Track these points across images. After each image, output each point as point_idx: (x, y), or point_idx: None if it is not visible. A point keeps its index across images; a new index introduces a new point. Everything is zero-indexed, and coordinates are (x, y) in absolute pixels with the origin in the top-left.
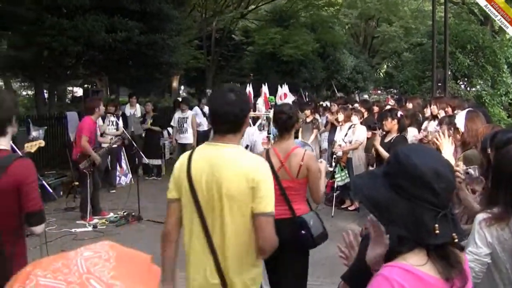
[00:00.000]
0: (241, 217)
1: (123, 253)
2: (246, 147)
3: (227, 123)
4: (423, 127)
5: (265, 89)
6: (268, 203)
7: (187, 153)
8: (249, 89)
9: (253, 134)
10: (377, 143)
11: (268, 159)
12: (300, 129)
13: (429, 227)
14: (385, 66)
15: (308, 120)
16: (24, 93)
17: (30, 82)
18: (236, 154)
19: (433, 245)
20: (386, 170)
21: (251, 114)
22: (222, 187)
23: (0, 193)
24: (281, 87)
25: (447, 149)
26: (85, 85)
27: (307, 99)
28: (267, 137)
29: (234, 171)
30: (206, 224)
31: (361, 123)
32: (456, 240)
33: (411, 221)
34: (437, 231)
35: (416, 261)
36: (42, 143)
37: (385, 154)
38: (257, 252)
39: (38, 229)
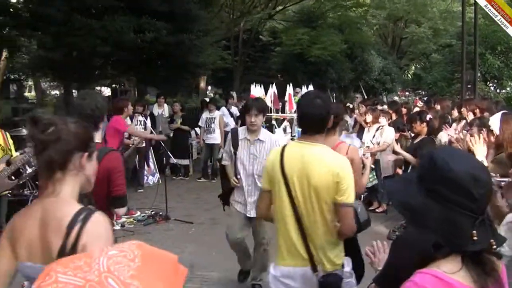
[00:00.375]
0: (325, 205)
1: (150, 252)
2: None
3: (314, 125)
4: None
5: (290, 89)
6: (349, 195)
7: (277, 150)
8: (274, 90)
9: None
10: (397, 147)
11: None
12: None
13: (466, 233)
14: (413, 67)
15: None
16: (53, 92)
17: (59, 82)
18: (323, 152)
19: (469, 252)
20: (420, 175)
21: (276, 115)
22: (311, 180)
23: (98, 179)
24: (307, 87)
25: (481, 152)
26: (113, 85)
27: (334, 100)
28: (291, 139)
29: (322, 167)
30: (297, 211)
31: (389, 124)
32: (494, 247)
33: (447, 227)
34: (475, 238)
35: (449, 268)
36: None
37: (408, 157)
38: (337, 235)
39: (121, 210)
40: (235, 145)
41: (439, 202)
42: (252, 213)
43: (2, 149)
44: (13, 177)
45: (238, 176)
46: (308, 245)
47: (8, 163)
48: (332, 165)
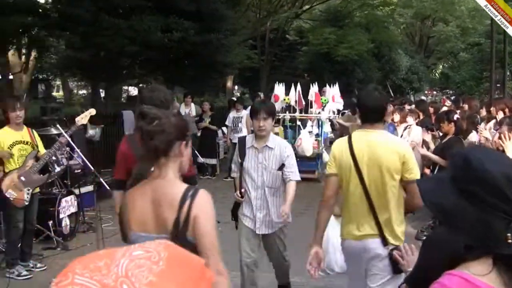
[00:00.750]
0: (393, 184)
1: (176, 255)
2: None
3: (375, 114)
4: (480, 128)
5: (315, 89)
6: (416, 172)
7: (344, 139)
8: (298, 89)
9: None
10: (423, 150)
11: None
12: (356, 129)
13: (500, 236)
14: (441, 66)
15: (358, 121)
16: (80, 92)
17: (86, 82)
18: (385, 137)
19: (502, 254)
20: (454, 175)
21: (300, 116)
22: (380, 163)
23: None
24: (331, 86)
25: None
26: (140, 85)
27: None
28: (316, 140)
29: (388, 150)
30: (367, 190)
31: (417, 123)
32: None
33: (480, 229)
34: (510, 240)
35: (479, 270)
36: (92, 111)
37: (435, 158)
38: (405, 210)
39: None
40: (242, 155)
41: (473, 203)
42: (261, 230)
43: (31, 146)
44: (41, 174)
45: (243, 190)
46: (378, 221)
47: (37, 159)
48: (398, 148)
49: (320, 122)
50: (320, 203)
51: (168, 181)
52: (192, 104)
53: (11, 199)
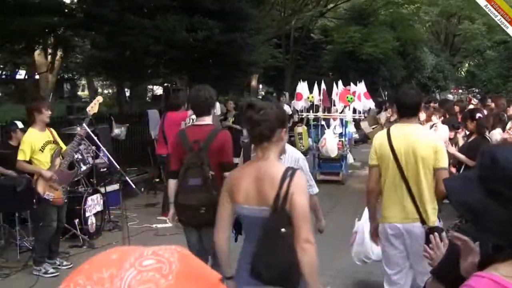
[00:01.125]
0: (429, 172)
1: (189, 269)
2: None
3: (411, 110)
4: (508, 127)
5: (340, 87)
6: (445, 161)
7: (383, 132)
8: (323, 87)
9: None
10: (451, 148)
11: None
12: (384, 127)
13: None
14: (467, 64)
15: (392, 119)
16: (105, 91)
17: (111, 81)
18: (420, 130)
19: None
20: (481, 174)
21: (324, 115)
22: (417, 153)
23: (213, 151)
24: (355, 84)
25: None
26: (165, 84)
27: (386, 98)
28: (340, 141)
29: (423, 142)
30: (406, 178)
31: (442, 122)
32: None
33: (508, 229)
34: None
35: (509, 272)
36: (99, 99)
37: (461, 157)
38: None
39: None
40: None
41: (500, 203)
42: None
43: (55, 144)
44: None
45: None
46: (417, 204)
47: (62, 156)
48: (431, 140)
49: (344, 122)
50: (366, 194)
51: (270, 162)
52: (217, 103)
53: (50, 200)
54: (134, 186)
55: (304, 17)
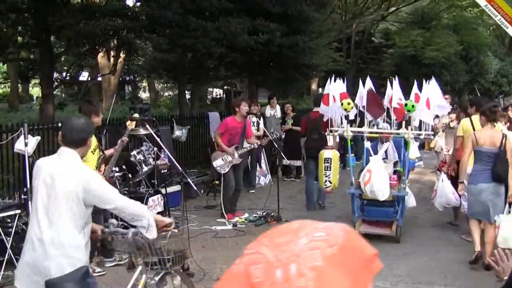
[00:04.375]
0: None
1: (352, 243)
2: None
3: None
4: None
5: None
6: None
7: (467, 119)
8: (369, 85)
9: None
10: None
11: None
12: (444, 134)
13: None
14: None
15: (452, 124)
16: (166, 93)
17: (173, 83)
18: (501, 131)
19: None
20: None
21: (370, 132)
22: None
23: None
24: (419, 88)
25: None
26: (225, 87)
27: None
28: (395, 173)
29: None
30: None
31: (508, 128)
32: None
33: None
34: None
35: None
36: (136, 117)
37: None
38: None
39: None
40: None
41: None
42: None
43: (100, 150)
44: (129, 175)
45: None
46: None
47: (106, 162)
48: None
49: (402, 143)
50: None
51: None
52: (277, 106)
53: None
54: (195, 188)
55: (365, 20)
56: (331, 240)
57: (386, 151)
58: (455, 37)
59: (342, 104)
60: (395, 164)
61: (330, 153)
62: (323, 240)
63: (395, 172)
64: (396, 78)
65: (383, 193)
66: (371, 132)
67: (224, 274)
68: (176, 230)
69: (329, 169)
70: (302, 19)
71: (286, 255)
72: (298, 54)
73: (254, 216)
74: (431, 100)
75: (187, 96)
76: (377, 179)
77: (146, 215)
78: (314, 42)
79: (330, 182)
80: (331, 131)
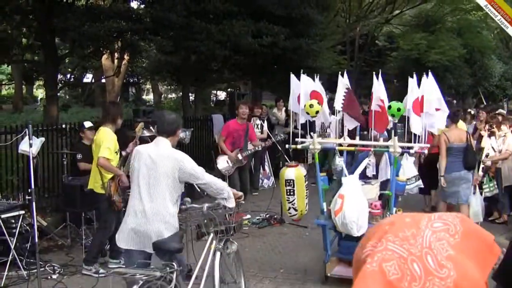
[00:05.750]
0: None
1: (471, 229)
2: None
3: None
4: None
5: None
6: None
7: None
8: (345, 82)
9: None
10: None
11: None
12: None
13: None
14: None
15: None
16: (170, 96)
17: (176, 86)
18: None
19: None
20: None
21: (346, 145)
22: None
23: None
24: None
25: None
26: (229, 89)
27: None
28: (379, 197)
29: None
30: None
31: None
32: None
33: None
34: None
35: None
36: (142, 124)
37: None
38: None
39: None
40: None
41: None
42: None
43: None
44: None
45: None
46: None
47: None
48: None
49: (390, 158)
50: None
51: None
52: (283, 109)
53: (116, 203)
54: (199, 189)
55: (369, 23)
56: (451, 229)
57: (377, 167)
58: (459, 40)
59: (304, 106)
60: (385, 185)
61: (292, 173)
62: (444, 230)
63: (381, 196)
64: (380, 72)
65: (359, 226)
66: (351, 145)
67: (359, 274)
68: (243, 202)
69: (292, 193)
70: (306, 22)
71: (418, 248)
72: (302, 57)
73: (257, 219)
74: (425, 103)
75: (191, 98)
76: (351, 208)
77: (227, 189)
78: (317, 45)
79: (296, 210)
80: (295, 143)
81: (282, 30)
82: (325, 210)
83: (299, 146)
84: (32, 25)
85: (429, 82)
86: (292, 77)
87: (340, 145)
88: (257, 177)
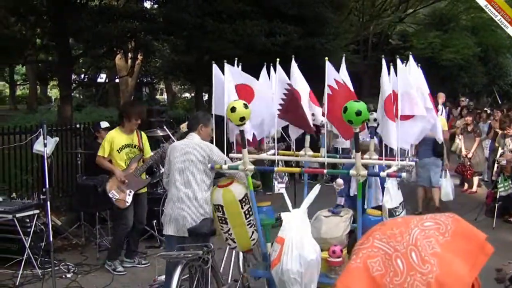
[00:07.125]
0: None
1: (462, 229)
2: None
3: None
4: None
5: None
6: None
7: None
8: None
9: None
10: None
11: None
12: (462, 137)
13: None
14: None
15: (469, 128)
16: (183, 95)
17: (190, 85)
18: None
19: None
20: None
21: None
22: None
23: None
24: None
25: None
26: None
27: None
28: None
29: None
30: None
31: None
32: None
33: None
34: None
35: None
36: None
37: None
38: None
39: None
40: None
41: None
42: None
43: (138, 149)
44: (147, 176)
45: None
46: None
47: (142, 161)
48: None
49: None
50: None
51: None
52: None
53: (114, 199)
54: None
55: (382, 22)
56: (442, 228)
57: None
58: (473, 38)
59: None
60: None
61: (219, 196)
62: (434, 229)
63: (351, 232)
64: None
65: (303, 285)
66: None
67: (344, 270)
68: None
69: (224, 221)
70: (319, 21)
71: (404, 245)
72: (315, 56)
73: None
74: (401, 101)
75: (205, 98)
76: (292, 259)
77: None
78: (331, 44)
79: (234, 241)
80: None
81: (295, 29)
82: (268, 254)
83: (224, 167)
84: (46, 26)
85: (409, 70)
86: (215, 67)
87: (276, 163)
88: (271, 176)
